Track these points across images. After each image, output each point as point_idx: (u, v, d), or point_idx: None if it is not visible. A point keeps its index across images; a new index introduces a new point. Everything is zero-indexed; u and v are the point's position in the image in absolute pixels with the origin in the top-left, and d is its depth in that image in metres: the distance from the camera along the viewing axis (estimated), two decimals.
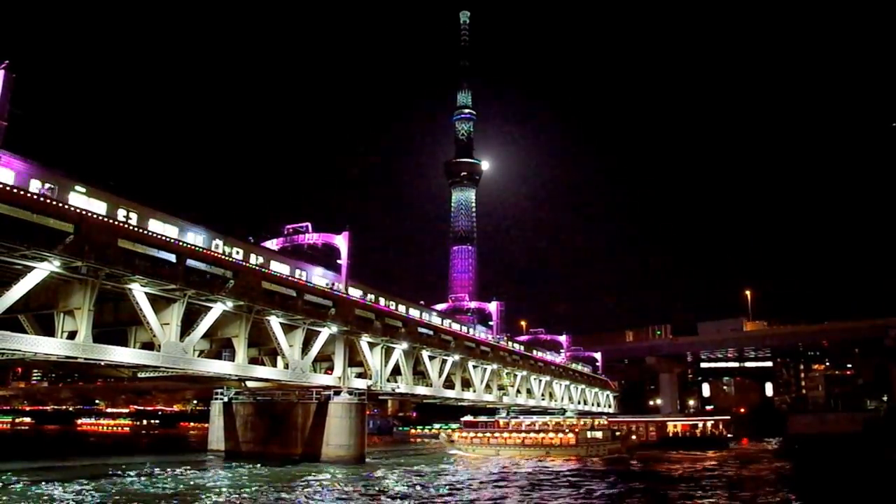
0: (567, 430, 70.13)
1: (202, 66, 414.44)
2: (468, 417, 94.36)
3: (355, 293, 64.61)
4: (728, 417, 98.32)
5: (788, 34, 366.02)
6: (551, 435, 69.88)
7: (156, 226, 44.18)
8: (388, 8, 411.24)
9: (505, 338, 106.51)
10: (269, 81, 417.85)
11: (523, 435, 70.31)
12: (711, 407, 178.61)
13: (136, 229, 41.28)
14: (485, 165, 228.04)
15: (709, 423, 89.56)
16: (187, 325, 44.21)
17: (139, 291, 40.49)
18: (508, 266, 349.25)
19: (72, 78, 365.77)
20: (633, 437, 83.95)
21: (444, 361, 74.90)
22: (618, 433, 77.19)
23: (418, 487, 40.84)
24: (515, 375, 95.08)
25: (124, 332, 49.22)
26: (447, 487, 41.21)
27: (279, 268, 55.44)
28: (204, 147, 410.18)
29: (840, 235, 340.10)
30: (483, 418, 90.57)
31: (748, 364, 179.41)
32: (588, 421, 78.43)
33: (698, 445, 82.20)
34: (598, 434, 74.27)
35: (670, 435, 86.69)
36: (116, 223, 39.74)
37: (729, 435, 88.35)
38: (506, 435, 71.35)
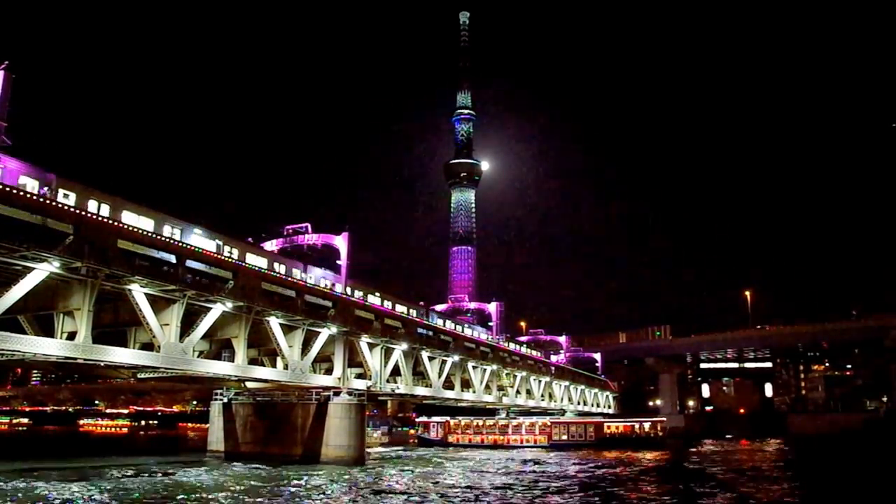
0: None
1: (202, 66, 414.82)
2: (423, 418, 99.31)
3: (354, 294, 64.63)
4: (664, 419, 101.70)
5: (788, 34, 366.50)
6: None
7: (129, 218, 43.15)
8: (388, 8, 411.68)
9: (504, 338, 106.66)
10: (268, 82, 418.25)
11: None
12: (711, 408, 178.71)
13: (136, 230, 41.24)
14: (485, 166, 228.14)
15: (646, 425, 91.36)
16: (187, 325, 44.13)
17: (139, 292, 40.45)
18: (508, 267, 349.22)
19: (71, 78, 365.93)
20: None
21: (443, 362, 74.89)
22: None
23: (418, 487, 40.83)
24: (515, 376, 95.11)
25: (124, 332, 49.07)
26: (446, 487, 41.20)
27: (256, 261, 54.97)
28: (204, 148, 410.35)
29: (840, 236, 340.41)
30: (436, 419, 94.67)
31: (748, 365, 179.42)
32: None
33: (634, 445, 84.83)
34: None
35: (607, 435, 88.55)
36: (116, 223, 39.72)
37: (660, 434, 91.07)
38: None
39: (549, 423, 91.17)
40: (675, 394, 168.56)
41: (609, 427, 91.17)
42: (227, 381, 59.04)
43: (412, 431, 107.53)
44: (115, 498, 33.74)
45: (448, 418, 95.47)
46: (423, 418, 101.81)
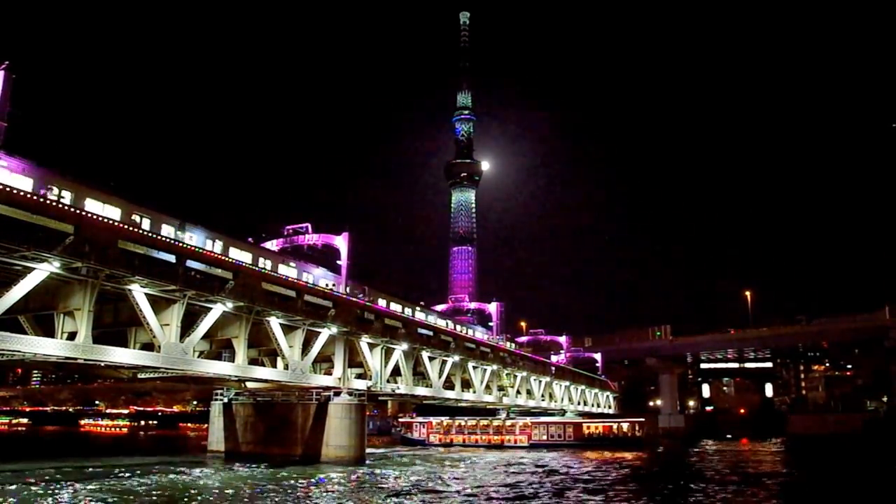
0: None
1: (202, 65, 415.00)
2: (406, 419, 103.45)
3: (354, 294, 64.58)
4: (643, 419, 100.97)
5: (788, 34, 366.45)
6: None
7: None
8: (388, 8, 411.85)
9: (504, 338, 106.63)
10: (269, 82, 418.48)
11: None
12: (711, 408, 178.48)
13: (135, 230, 41.24)
14: (485, 166, 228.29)
15: (624, 425, 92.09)
16: (187, 325, 44.12)
17: (139, 292, 40.43)
18: (508, 266, 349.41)
19: (72, 78, 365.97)
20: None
21: (444, 362, 74.84)
22: None
23: (418, 487, 40.82)
24: (515, 376, 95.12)
25: (124, 332, 49.06)
26: (447, 488, 41.18)
27: (238, 255, 55.01)
28: (204, 148, 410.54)
29: (840, 235, 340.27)
30: (419, 419, 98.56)
31: (748, 365, 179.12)
32: None
33: (613, 445, 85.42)
34: None
35: (586, 436, 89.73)
36: (116, 224, 39.71)
37: (638, 435, 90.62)
38: None
39: (529, 424, 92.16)
40: (675, 394, 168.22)
41: (588, 427, 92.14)
42: (228, 382, 59.04)
43: None
44: (115, 499, 33.71)
45: (431, 419, 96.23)
46: (406, 418, 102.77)
